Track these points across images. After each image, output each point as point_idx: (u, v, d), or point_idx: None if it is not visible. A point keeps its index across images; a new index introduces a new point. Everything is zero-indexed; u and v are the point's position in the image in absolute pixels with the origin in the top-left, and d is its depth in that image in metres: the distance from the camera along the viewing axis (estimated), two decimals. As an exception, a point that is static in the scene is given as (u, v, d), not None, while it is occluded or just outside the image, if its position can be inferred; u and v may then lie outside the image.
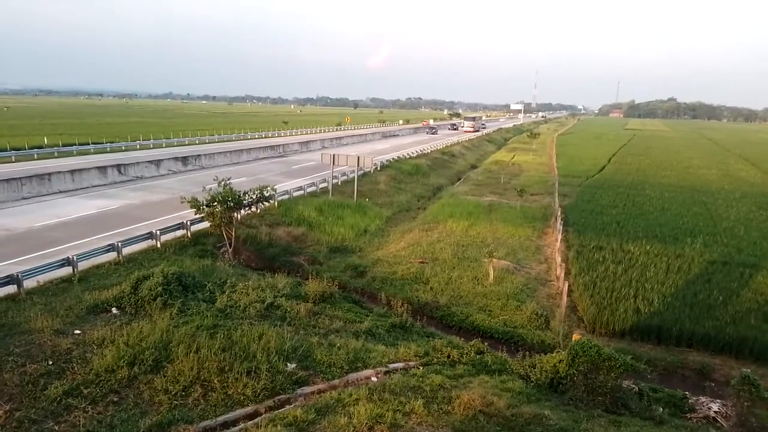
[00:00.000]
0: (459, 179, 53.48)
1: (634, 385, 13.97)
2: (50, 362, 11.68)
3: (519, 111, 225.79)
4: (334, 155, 36.17)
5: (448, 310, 19.89)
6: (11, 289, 15.38)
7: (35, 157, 44.99)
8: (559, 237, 26.95)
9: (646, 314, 18.78)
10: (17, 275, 15.46)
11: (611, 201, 37.73)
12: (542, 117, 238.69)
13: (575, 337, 15.62)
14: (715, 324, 18.04)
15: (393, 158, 52.42)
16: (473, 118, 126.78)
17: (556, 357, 13.92)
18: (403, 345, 15.17)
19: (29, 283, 15.85)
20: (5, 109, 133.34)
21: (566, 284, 19.98)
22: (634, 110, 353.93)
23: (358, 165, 35.68)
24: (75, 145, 50.85)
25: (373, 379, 12.74)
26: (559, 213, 32.10)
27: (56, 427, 9.70)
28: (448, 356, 14.75)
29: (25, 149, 46.15)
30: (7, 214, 25.94)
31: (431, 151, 63.81)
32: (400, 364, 13.93)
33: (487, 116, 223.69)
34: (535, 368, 14.03)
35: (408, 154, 57.53)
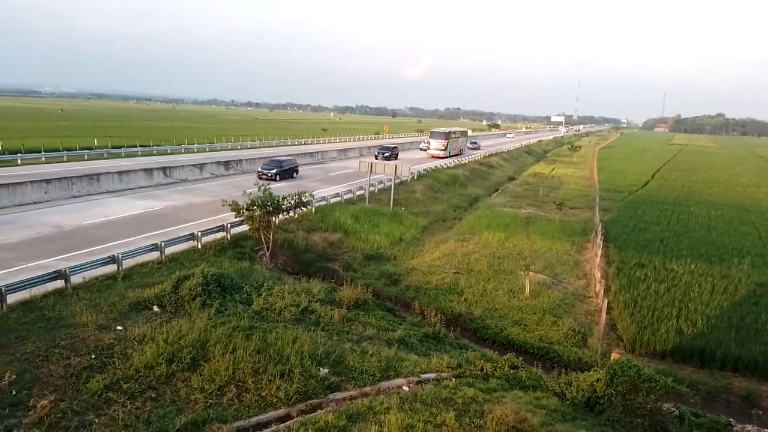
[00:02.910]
0: (496, 190, 52.95)
1: (674, 409, 13.49)
2: (93, 356, 12.08)
3: (560, 123, 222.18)
4: (371, 163, 36.38)
5: (482, 322, 19.66)
6: (59, 283, 15.99)
7: (85, 157, 46.87)
8: (599, 252, 26.30)
9: (689, 335, 18.10)
10: (65, 271, 16.08)
11: (654, 217, 36.62)
12: (576, 130, 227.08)
13: (614, 356, 15.18)
14: (763, 349, 17.24)
15: (430, 167, 52.33)
16: (446, 133, 68.67)
17: (594, 375, 13.58)
18: (436, 356, 15.07)
19: (76, 279, 16.44)
20: (60, 111, 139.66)
21: (605, 301, 19.46)
22: (680, 125, 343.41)
23: (395, 173, 35.78)
24: (123, 147, 52.74)
25: (405, 388, 12.69)
26: (599, 228, 31.36)
27: (96, 420, 10.01)
28: (482, 369, 14.58)
29: (76, 150, 48.13)
30: (57, 211, 27.05)
31: (469, 161, 63.44)
32: (433, 375, 13.83)
33: (527, 128, 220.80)
34: (571, 386, 13.72)
35: (445, 164, 57.31)
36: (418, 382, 13.20)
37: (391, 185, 36.56)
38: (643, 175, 64.09)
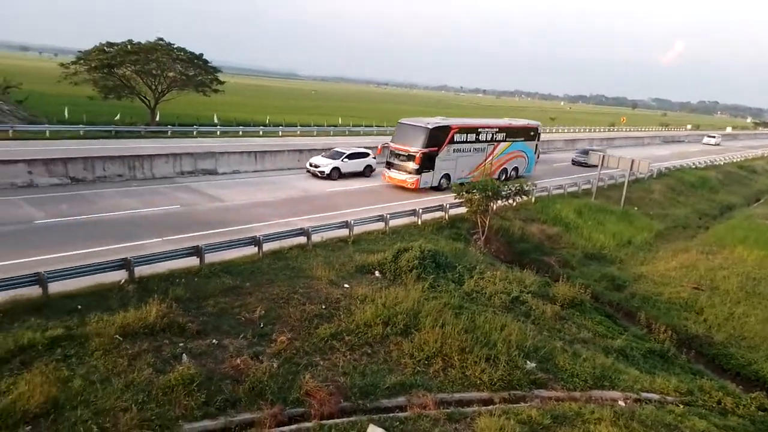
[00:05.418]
0: (758, 200, 44.47)
1: None
2: (323, 306, 13.56)
3: None
4: (603, 156, 33.58)
5: (724, 349, 16.84)
6: (302, 240, 18.26)
7: (331, 133, 52.80)
8: None
9: None
10: (307, 229, 18.32)
11: None
12: None
13: None
14: None
15: (674, 166, 46.25)
16: (427, 131, 27.97)
17: None
18: (662, 376, 13.43)
19: (315, 238, 18.55)
20: (313, 92, 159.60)
21: None
22: None
23: (631, 169, 32.45)
24: (362, 126, 58.05)
25: (621, 403, 11.52)
26: None
27: (321, 362, 11.25)
28: (719, 402, 12.51)
29: (324, 126, 54.54)
30: (302, 179, 30.65)
31: (725, 163, 54.35)
32: (655, 396, 12.31)
33: None
34: None
35: (694, 163, 50.05)
36: (637, 400, 11.88)
37: (624, 181, 33.33)
38: None
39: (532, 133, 35.77)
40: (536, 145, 36.36)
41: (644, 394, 12.20)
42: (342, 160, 30.77)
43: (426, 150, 27.66)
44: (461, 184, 22.69)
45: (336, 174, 30.25)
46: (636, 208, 32.38)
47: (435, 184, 28.84)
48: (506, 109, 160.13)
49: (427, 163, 27.90)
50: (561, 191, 32.21)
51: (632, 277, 22.23)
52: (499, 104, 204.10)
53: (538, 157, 37.35)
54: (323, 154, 32.29)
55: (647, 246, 26.86)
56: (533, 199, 29.00)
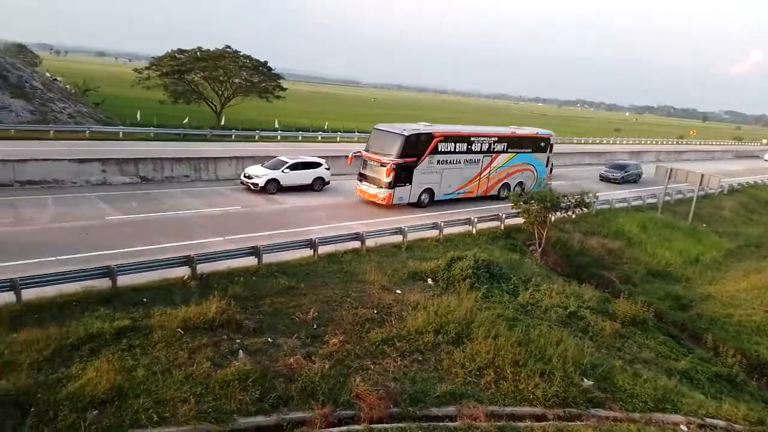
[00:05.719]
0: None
1: None
2: (375, 311, 13.63)
3: None
4: (671, 169, 32.16)
5: (801, 379, 15.64)
6: (356, 244, 18.43)
7: (387, 140, 53.28)
8: None
9: None
10: (362, 234, 18.49)
11: None
12: None
13: None
14: None
15: (747, 182, 43.67)
16: (404, 139, 24.21)
17: None
18: (729, 402, 12.67)
19: (369, 243, 18.67)
20: (372, 99, 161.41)
21: None
22: None
23: (701, 184, 30.89)
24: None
25: (683, 428, 10.99)
26: None
27: (372, 367, 11.31)
28: (795, 436, 11.61)
29: (381, 133, 55.13)
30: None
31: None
32: (721, 422, 11.64)
33: None
34: None
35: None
36: (701, 426, 11.28)
37: (693, 197, 31.76)
38: None
39: (542, 144, 31.07)
40: (548, 157, 31.54)
41: (709, 420, 11.55)
42: (282, 171, 25.66)
43: (400, 160, 23.89)
44: (519, 194, 22.30)
45: (273, 187, 25.12)
46: (705, 225, 30.76)
47: (413, 200, 25.21)
48: (565, 118, 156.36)
49: (401, 175, 24.18)
50: (624, 204, 31.09)
51: (699, 297, 21.12)
52: (560, 114, 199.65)
53: (551, 171, 32.44)
54: (264, 163, 26.94)
55: (716, 265, 25.43)
56: (594, 212, 28.09)
